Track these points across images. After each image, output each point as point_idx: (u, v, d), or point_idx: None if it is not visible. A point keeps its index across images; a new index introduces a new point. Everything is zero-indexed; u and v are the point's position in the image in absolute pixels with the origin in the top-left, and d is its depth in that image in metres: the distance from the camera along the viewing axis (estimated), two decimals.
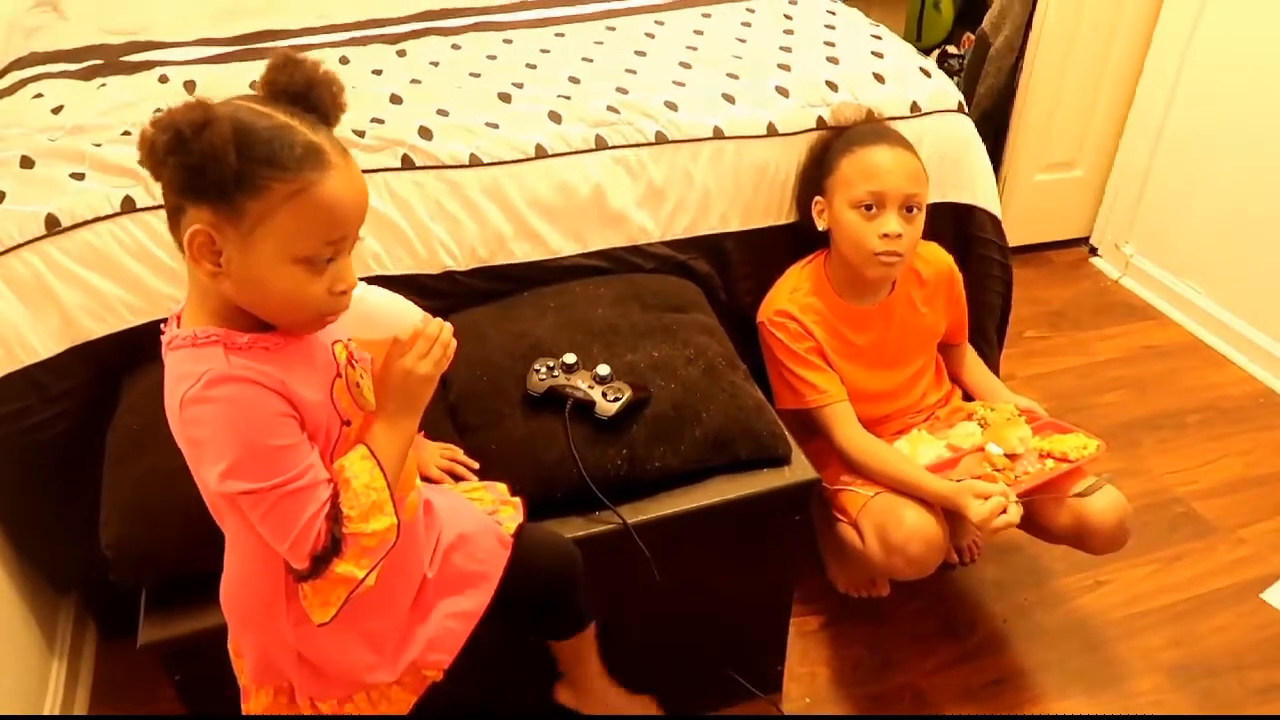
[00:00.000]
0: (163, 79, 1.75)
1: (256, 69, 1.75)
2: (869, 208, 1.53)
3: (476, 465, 1.31)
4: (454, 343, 1.00)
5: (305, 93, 0.87)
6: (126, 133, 1.54)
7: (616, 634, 1.36)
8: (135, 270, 1.43)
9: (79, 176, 1.46)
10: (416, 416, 1.00)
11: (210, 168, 0.80)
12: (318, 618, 0.96)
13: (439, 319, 1.00)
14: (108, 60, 1.84)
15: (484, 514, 1.20)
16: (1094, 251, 2.82)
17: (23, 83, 1.76)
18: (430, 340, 0.98)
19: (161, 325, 0.94)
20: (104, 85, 1.74)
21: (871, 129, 1.61)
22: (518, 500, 1.25)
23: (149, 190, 1.44)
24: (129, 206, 1.43)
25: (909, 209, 1.53)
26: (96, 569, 1.28)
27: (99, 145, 1.51)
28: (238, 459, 0.86)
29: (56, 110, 1.64)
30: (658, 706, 1.46)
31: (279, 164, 0.83)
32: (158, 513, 1.19)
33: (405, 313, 0.99)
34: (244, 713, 1.09)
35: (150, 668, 1.22)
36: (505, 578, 1.15)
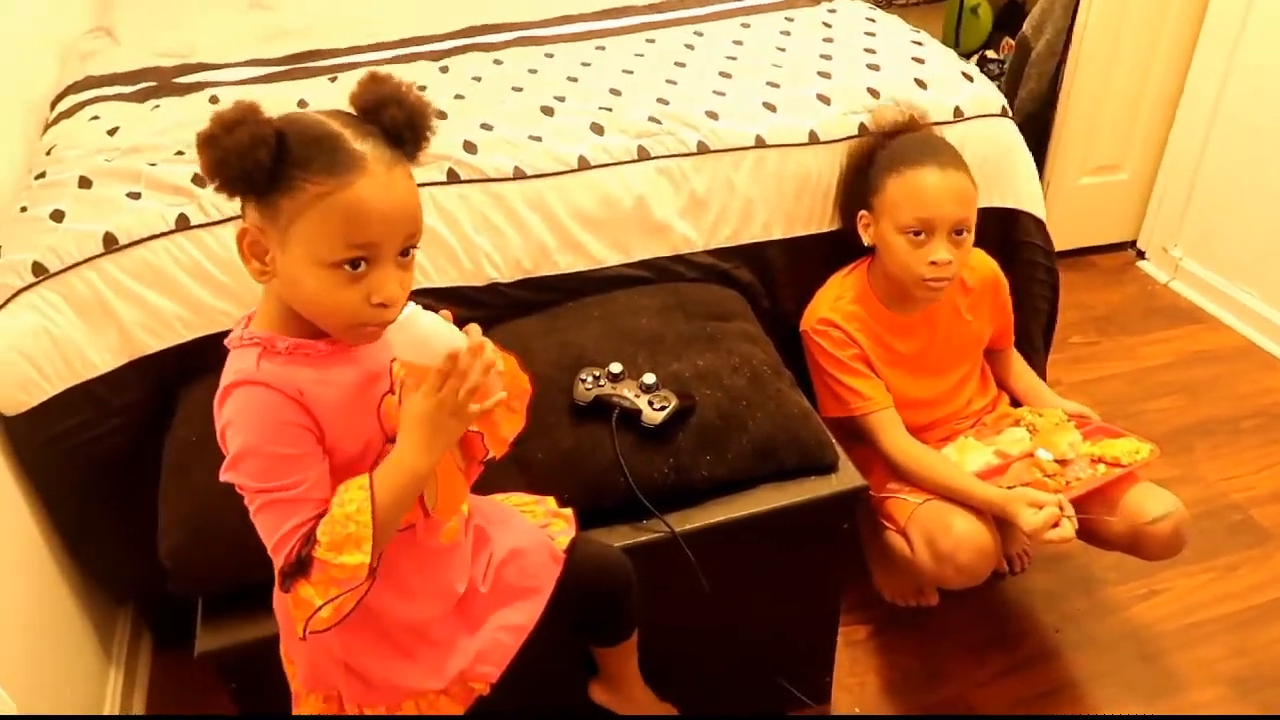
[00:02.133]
0: (213, 99, 1.79)
1: (304, 88, 1.78)
2: (917, 233, 1.50)
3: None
4: (523, 387, 1.00)
5: (376, 110, 0.89)
6: (180, 152, 1.58)
7: (664, 642, 1.36)
8: (189, 286, 1.46)
9: (135, 195, 1.49)
10: (436, 454, 0.94)
11: (234, 163, 0.83)
12: (296, 631, 0.95)
13: (491, 349, 0.95)
14: (160, 82, 1.89)
15: (536, 528, 1.21)
16: (1141, 255, 2.77)
17: (80, 106, 1.81)
18: (462, 376, 0.92)
19: (227, 332, 0.97)
20: (157, 107, 1.78)
21: (918, 144, 1.56)
22: (569, 513, 1.25)
23: (202, 208, 1.47)
24: (183, 224, 1.46)
25: (959, 232, 1.51)
26: (153, 579, 1.31)
27: (154, 165, 1.54)
28: (239, 453, 0.90)
29: (112, 132, 1.69)
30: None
31: (312, 166, 0.85)
32: (214, 523, 1.21)
33: (452, 342, 0.94)
34: (295, 711, 1.11)
35: (204, 676, 1.24)
36: (559, 591, 1.16)
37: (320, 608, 0.91)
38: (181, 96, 1.82)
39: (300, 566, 0.90)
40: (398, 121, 0.90)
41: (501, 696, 1.15)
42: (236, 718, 1.29)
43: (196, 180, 1.49)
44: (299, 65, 1.95)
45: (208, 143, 0.83)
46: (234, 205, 1.48)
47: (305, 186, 0.85)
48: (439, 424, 0.93)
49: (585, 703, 1.37)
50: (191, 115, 1.73)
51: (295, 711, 1.11)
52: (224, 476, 0.91)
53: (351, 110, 0.91)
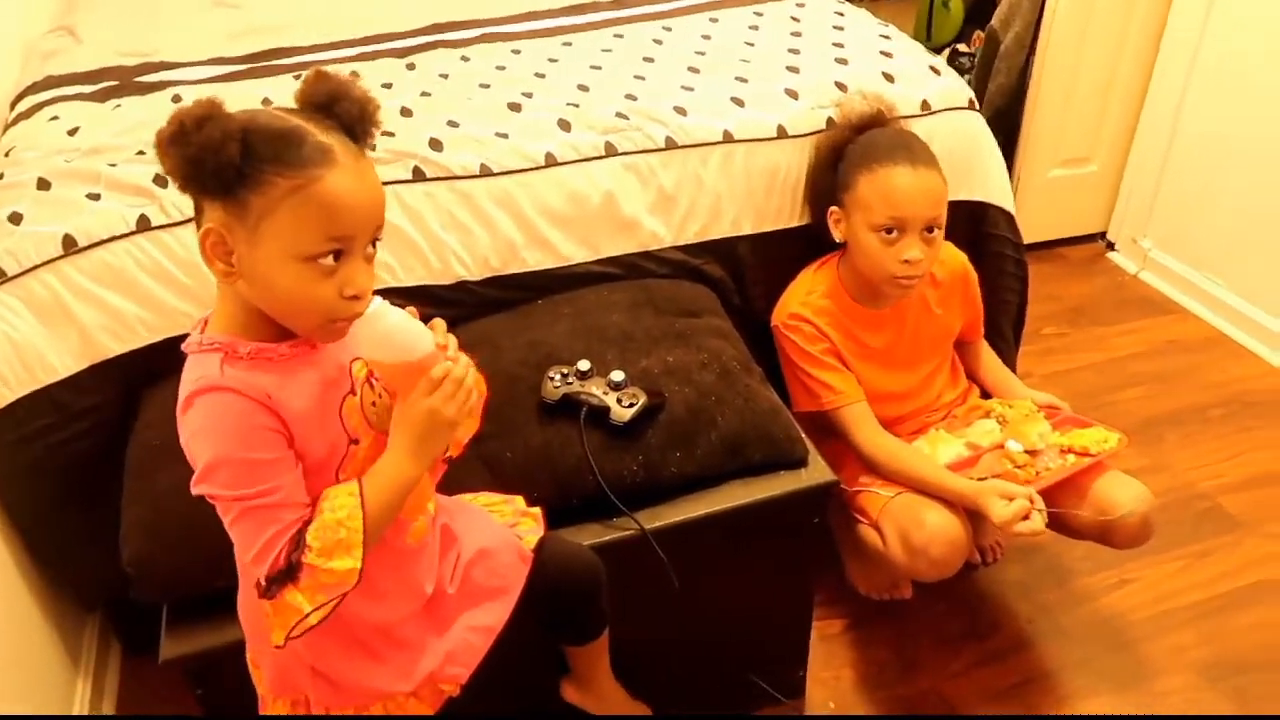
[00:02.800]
0: (176, 99, 1.76)
1: (268, 87, 1.76)
2: (889, 231, 1.50)
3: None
4: (480, 389, 0.97)
5: (329, 104, 0.89)
6: (141, 152, 1.56)
7: (636, 640, 1.36)
8: (151, 288, 1.44)
9: (95, 197, 1.47)
10: (428, 460, 0.96)
11: (208, 160, 0.81)
12: (275, 639, 0.94)
13: (464, 358, 0.97)
14: (122, 81, 1.87)
15: (504, 528, 1.20)
16: (1111, 246, 2.79)
17: (39, 106, 1.78)
18: (458, 383, 0.94)
19: (191, 329, 0.95)
20: (119, 106, 1.76)
21: (890, 140, 1.56)
22: (537, 511, 1.25)
23: (163, 209, 1.45)
24: (144, 225, 1.44)
25: (930, 230, 1.51)
26: (121, 586, 1.29)
27: (114, 165, 1.52)
28: (210, 464, 0.87)
29: (72, 132, 1.66)
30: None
31: (282, 160, 0.84)
32: (177, 528, 1.20)
33: (423, 340, 0.94)
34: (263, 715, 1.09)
35: (174, 683, 1.22)
36: (528, 591, 1.15)
37: (309, 614, 0.91)
38: (143, 96, 1.80)
39: (289, 573, 0.89)
40: (351, 115, 0.90)
41: (472, 697, 1.14)
42: (203, 718, 1.28)
43: (158, 181, 1.47)
44: (263, 64, 1.93)
45: (174, 141, 0.82)
46: None
47: (276, 181, 0.84)
48: (432, 430, 0.93)
49: (557, 702, 1.37)
50: (153, 115, 1.70)
51: (262, 711, 1.10)
52: (196, 489, 0.88)
53: (299, 106, 0.90)
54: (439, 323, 0.98)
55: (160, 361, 1.44)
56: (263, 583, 0.89)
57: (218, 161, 0.82)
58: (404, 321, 0.93)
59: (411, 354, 0.93)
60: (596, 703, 1.36)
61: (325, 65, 1.84)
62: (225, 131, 0.81)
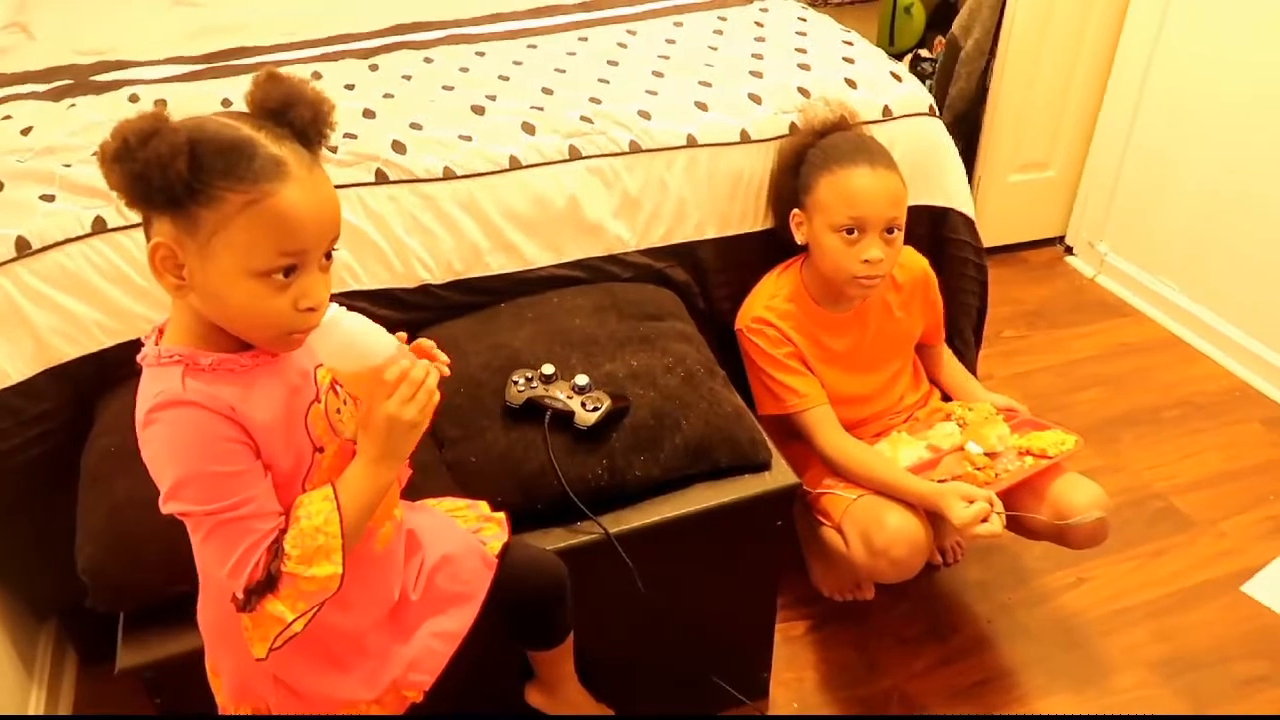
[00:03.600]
0: (133, 98, 1.74)
1: (228, 86, 1.74)
2: (850, 231, 1.52)
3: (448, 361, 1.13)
4: (438, 392, 0.95)
5: (283, 110, 0.87)
6: (96, 153, 1.53)
7: (600, 643, 1.36)
8: (107, 291, 1.42)
9: (49, 198, 1.44)
10: (397, 463, 0.96)
11: (154, 175, 0.79)
12: (256, 652, 0.94)
13: (422, 361, 0.95)
14: (77, 80, 1.83)
15: (468, 533, 1.19)
16: (1069, 250, 2.84)
17: None
18: (415, 384, 0.92)
19: (143, 339, 0.93)
20: (73, 106, 1.73)
21: (849, 144, 1.58)
22: (501, 516, 1.24)
23: (120, 211, 1.43)
24: (100, 227, 1.42)
25: (890, 230, 1.53)
26: (76, 594, 1.27)
27: (69, 166, 1.50)
28: (178, 481, 0.86)
29: (25, 132, 1.63)
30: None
31: (234, 174, 0.82)
32: (134, 536, 1.18)
33: (381, 344, 0.93)
34: None
35: (131, 694, 1.21)
36: (492, 596, 1.15)
37: (293, 622, 0.90)
38: (99, 95, 1.76)
39: (268, 583, 0.88)
40: (304, 120, 0.87)
41: (436, 701, 1.13)
42: (163, 717, 1.26)
43: None
44: (223, 64, 1.90)
45: (119, 157, 0.79)
46: None
47: (228, 196, 0.81)
48: (394, 434, 0.92)
49: (521, 706, 1.37)
50: (109, 115, 1.68)
51: None
52: (166, 508, 0.87)
53: (250, 111, 0.88)
54: (401, 336, 0.97)
55: (117, 366, 1.42)
56: (240, 596, 0.88)
57: (165, 177, 0.79)
58: (361, 327, 0.92)
59: (371, 360, 0.92)
60: (561, 707, 1.36)
61: (287, 66, 1.85)
62: (172, 145, 0.79)
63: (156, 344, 0.90)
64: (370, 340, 0.92)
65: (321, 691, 1.05)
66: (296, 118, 0.87)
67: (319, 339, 0.90)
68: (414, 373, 0.92)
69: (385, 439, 0.93)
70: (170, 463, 0.86)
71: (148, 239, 0.86)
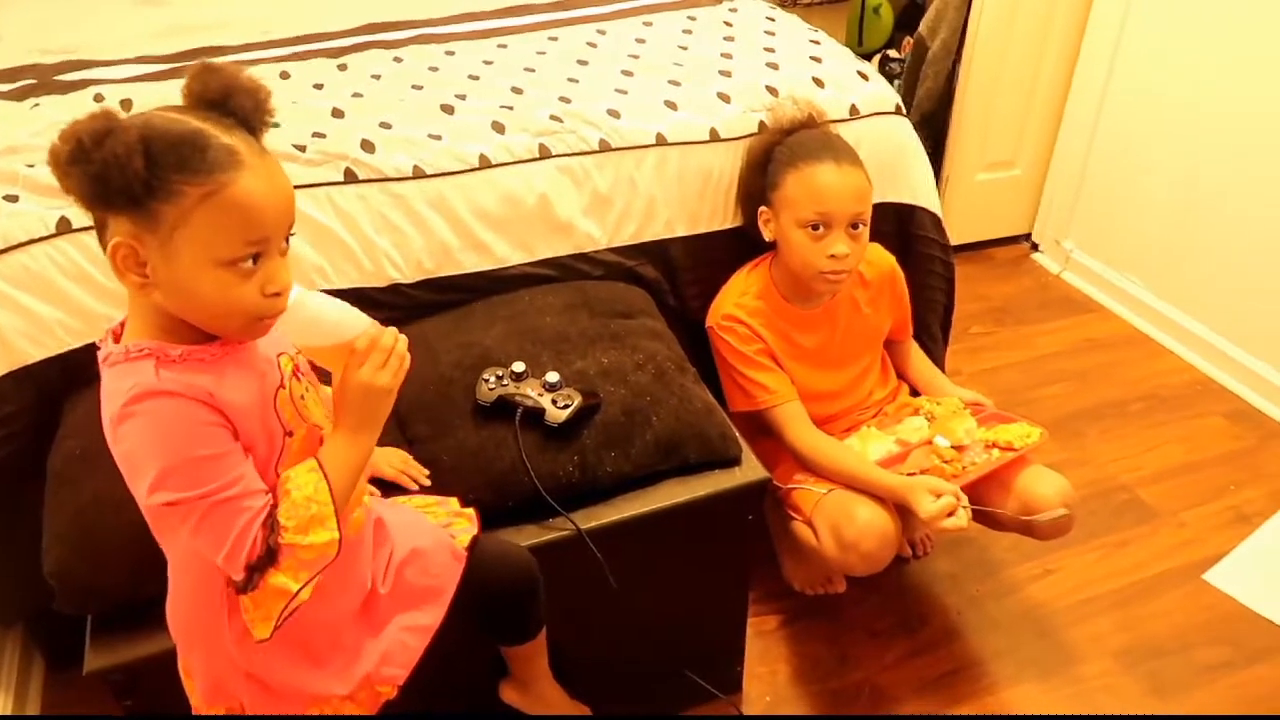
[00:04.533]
0: (98, 98, 1.72)
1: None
2: (816, 227, 1.54)
3: (428, 473, 1.30)
4: (408, 355, 0.98)
5: (223, 100, 0.87)
6: (49, 158, 1.51)
7: (573, 639, 1.36)
8: (72, 292, 1.41)
9: (12, 199, 1.43)
10: (375, 431, 0.98)
11: (114, 176, 0.79)
12: (259, 633, 0.95)
13: (391, 328, 0.98)
14: (41, 80, 1.81)
15: (437, 528, 1.20)
16: (1035, 247, 2.88)
17: None
18: (386, 351, 0.96)
19: (98, 343, 0.93)
20: (37, 105, 1.71)
21: (815, 141, 1.60)
22: (471, 512, 1.24)
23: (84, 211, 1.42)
24: (64, 228, 1.41)
25: (855, 226, 1.55)
26: (42, 599, 1.26)
27: (32, 166, 1.48)
28: (163, 470, 0.85)
29: None
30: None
31: (189, 167, 0.82)
32: (102, 538, 1.17)
33: (350, 319, 0.96)
34: None
35: (99, 698, 1.20)
36: (462, 590, 1.15)
37: (299, 591, 0.92)
38: (64, 95, 1.75)
39: (269, 557, 0.89)
40: (246, 108, 0.88)
41: (410, 698, 1.13)
42: (133, 717, 1.25)
43: None
44: (189, 63, 1.86)
45: (75, 159, 0.79)
46: None
47: (186, 190, 0.82)
48: (369, 401, 0.95)
49: (496, 704, 1.37)
50: (74, 114, 1.64)
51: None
52: (151, 499, 0.86)
53: (191, 104, 0.88)
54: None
55: (82, 368, 1.40)
56: (242, 575, 0.89)
57: (124, 177, 0.79)
58: (326, 304, 0.95)
59: (342, 333, 0.95)
60: (535, 704, 1.37)
61: (255, 65, 1.84)
62: (126, 144, 0.79)
63: (115, 342, 0.90)
64: (338, 315, 0.95)
65: (295, 686, 1.05)
66: (238, 106, 0.87)
67: (288, 320, 0.91)
68: (383, 340, 0.96)
69: (361, 406, 0.95)
70: (153, 454, 0.86)
71: (103, 241, 0.86)
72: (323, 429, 1.01)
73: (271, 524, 0.89)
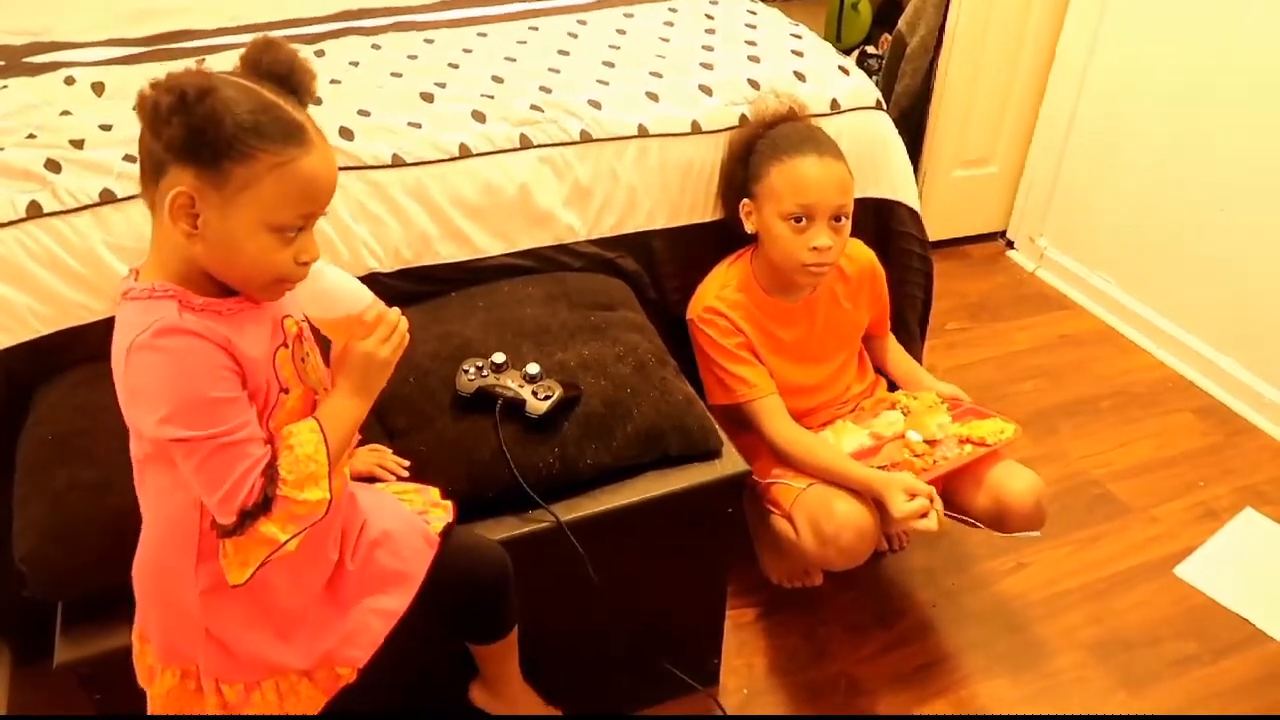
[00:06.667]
0: (69, 80, 1.69)
1: (167, 70, 1.70)
2: (799, 220, 1.54)
3: (407, 463, 1.30)
4: (409, 336, 1.05)
5: (287, 75, 0.92)
6: (31, 135, 1.49)
7: (551, 631, 1.36)
8: (43, 278, 1.38)
9: None
10: (370, 399, 1.04)
11: (210, 130, 0.84)
12: (234, 577, 0.97)
13: (395, 308, 1.05)
14: (9, 61, 1.78)
15: (411, 513, 1.19)
16: (1010, 245, 2.91)
17: None
18: (391, 326, 1.03)
19: (124, 279, 0.96)
20: (5, 87, 1.67)
21: (798, 134, 1.60)
22: (448, 504, 1.24)
23: (56, 195, 1.39)
24: (35, 212, 1.38)
25: (837, 218, 1.56)
26: (9, 588, 1.24)
27: (2, 149, 1.45)
28: (176, 407, 0.88)
29: None
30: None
31: (268, 135, 0.87)
32: (75, 525, 1.16)
33: (361, 294, 1.03)
34: (149, 693, 1.07)
35: (68, 693, 1.18)
36: (432, 580, 1.14)
37: (286, 542, 0.94)
38: (33, 77, 1.71)
39: (263, 505, 0.92)
40: (304, 86, 0.93)
41: (376, 696, 1.12)
42: (105, 717, 1.23)
43: (50, 165, 1.41)
44: (163, 46, 1.86)
45: (177, 109, 0.83)
46: (90, 193, 1.41)
47: (260, 156, 0.87)
48: (371, 370, 1.02)
49: (465, 706, 1.36)
50: (43, 97, 1.63)
51: (149, 689, 1.07)
52: (158, 431, 0.89)
53: (248, 72, 0.92)
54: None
55: (53, 355, 1.38)
56: (233, 519, 0.91)
57: (217, 134, 0.85)
58: (342, 278, 1.02)
59: (352, 306, 1.01)
60: (505, 707, 1.36)
61: (229, 51, 1.81)
62: (224, 103, 0.84)
63: (135, 279, 0.94)
64: (351, 289, 1.02)
65: (254, 653, 1.04)
66: (298, 84, 0.93)
67: (304, 288, 0.97)
68: (389, 316, 1.03)
69: (363, 374, 1.02)
70: (168, 388, 0.88)
71: (152, 184, 0.89)
72: (318, 393, 1.04)
73: (270, 474, 0.93)
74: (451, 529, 1.19)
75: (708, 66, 1.82)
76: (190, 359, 0.89)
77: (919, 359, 1.97)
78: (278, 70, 0.92)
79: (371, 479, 1.26)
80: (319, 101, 0.96)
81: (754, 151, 1.61)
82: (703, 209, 1.73)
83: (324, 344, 1.08)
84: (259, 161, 0.87)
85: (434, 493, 1.25)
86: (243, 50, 0.93)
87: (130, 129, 1.20)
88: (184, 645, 1.03)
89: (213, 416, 0.89)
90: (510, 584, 1.23)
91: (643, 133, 1.66)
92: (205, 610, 1.00)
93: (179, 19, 1.98)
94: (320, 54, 1.85)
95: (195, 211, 0.88)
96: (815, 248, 1.54)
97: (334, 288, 1.01)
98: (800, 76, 1.80)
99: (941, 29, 2.59)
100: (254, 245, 0.90)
